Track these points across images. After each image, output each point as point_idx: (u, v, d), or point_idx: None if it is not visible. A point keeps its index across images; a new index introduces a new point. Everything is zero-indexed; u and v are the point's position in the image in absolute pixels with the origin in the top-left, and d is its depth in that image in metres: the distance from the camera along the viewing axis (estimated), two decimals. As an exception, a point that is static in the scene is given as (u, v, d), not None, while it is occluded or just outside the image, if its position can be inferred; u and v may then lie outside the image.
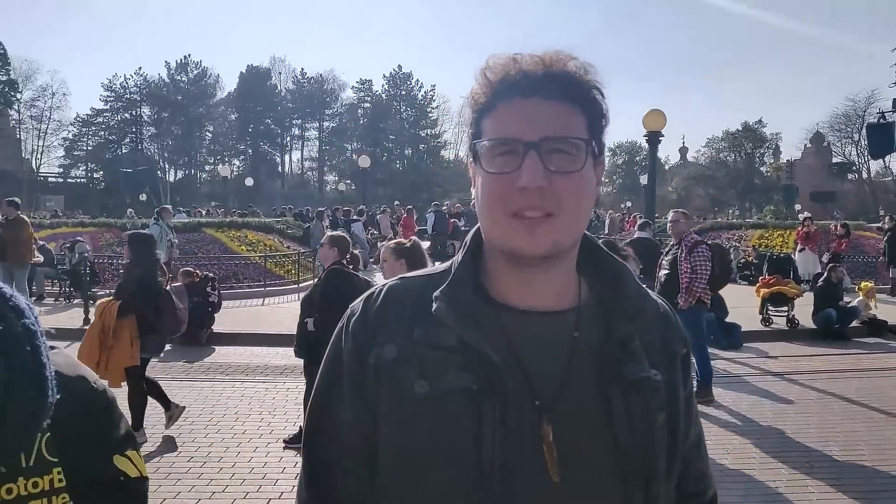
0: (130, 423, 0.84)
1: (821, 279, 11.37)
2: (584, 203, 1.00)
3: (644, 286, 1.12)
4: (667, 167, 79.66)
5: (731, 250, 20.70)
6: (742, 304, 11.63)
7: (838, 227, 17.62)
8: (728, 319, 10.32)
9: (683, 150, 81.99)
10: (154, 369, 8.49)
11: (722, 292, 10.92)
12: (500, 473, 0.95)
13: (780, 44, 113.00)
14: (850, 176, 67.97)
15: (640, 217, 12.27)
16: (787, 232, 20.99)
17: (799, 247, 16.61)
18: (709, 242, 7.52)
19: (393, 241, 4.85)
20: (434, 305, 1.01)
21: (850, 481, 4.96)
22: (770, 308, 11.29)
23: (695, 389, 7.43)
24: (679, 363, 1.12)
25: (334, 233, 5.91)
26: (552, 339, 1.03)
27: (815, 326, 10.70)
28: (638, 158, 75.09)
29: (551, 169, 0.95)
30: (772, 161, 72.87)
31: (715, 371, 8.39)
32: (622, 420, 1.00)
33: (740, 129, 73.37)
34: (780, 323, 11.10)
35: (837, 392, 7.36)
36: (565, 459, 0.96)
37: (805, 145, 70.45)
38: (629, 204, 56.67)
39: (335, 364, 1.09)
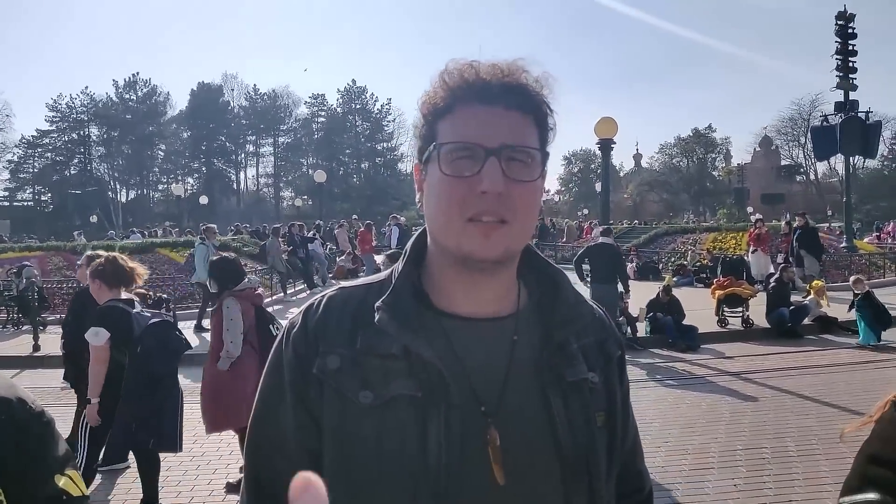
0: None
1: (773, 279, 11.66)
2: (535, 211, 1.03)
3: (579, 293, 1.15)
4: (621, 174, 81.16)
5: (688, 254, 21.18)
6: (698, 306, 11.86)
7: (783, 226, 18.29)
8: (685, 322, 10.51)
9: (637, 157, 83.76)
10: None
11: (679, 295, 11.18)
12: (445, 478, 0.96)
13: (726, 54, 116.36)
14: (798, 178, 70.11)
15: (596, 224, 12.41)
16: (740, 234, 21.50)
17: (751, 248, 17.01)
18: None
19: (96, 261, 4.68)
20: (376, 315, 1.02)
21: (805, 475, 5.06)
22: (725, 309, 11.53)
23: None
24: (615, 365, 1.15)
25: (90, 252, 5.83)
26: (493, 344, 1.05)
27: (769, 326, 10.97)
28: (593, 166, 76.34)
29: (509, 177, 0.96)
30: (723, 165, 74.68)
31: (674, 373, 8.53)
32: (563, 421, 1.02)
33: (691, 134, 75.16)
34: (735, 324, 11.33)
35: (791, 389, 7.54)
36: (510, 463, 0.98)
37: (754, 149, 72.49)
38: (586, 211, 57.55)
39: (275, 376, 1.07)
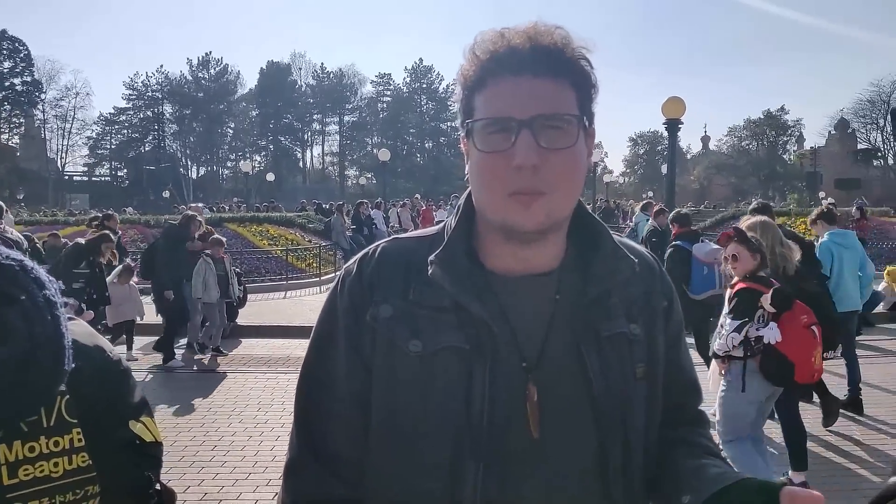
0: None
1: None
2: (576, 178, 1.02)
3: (622, 246, 1.13)
4: (688, 156, 79.08)
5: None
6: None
7: (853, 211, 17.68)
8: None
9: (705, 139, 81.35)
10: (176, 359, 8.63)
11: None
12: (487, 430, 1.00)
13: (800, 34, 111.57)
14: (875, 162, 66.84)
15: (656, 205, 12.11)
16: (811, 219, 20.68)
17: (823, 234, 16.37)
18: None
19: None
20: (430, 269, 1.05)
21: (874, 465, 4.92)
22: (793, 295, 11.10)
23: None
24: (660, 315, 1.16)
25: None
26: (537, 301, 1.07)
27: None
28: (659, 148, 74.66)
29: (544, 146, 0.96)
30: (795, 149, 71.90)
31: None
32: (598, 376, 1.04)
33: (762, 117, 72.54)
34: (803, 311, 10.94)
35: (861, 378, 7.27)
36: (547, 417, 1.01)
37: (829, 132, 69.35)
38: (651, 194, 56.17)
39: (330, 321, 1.12)
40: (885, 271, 11.70)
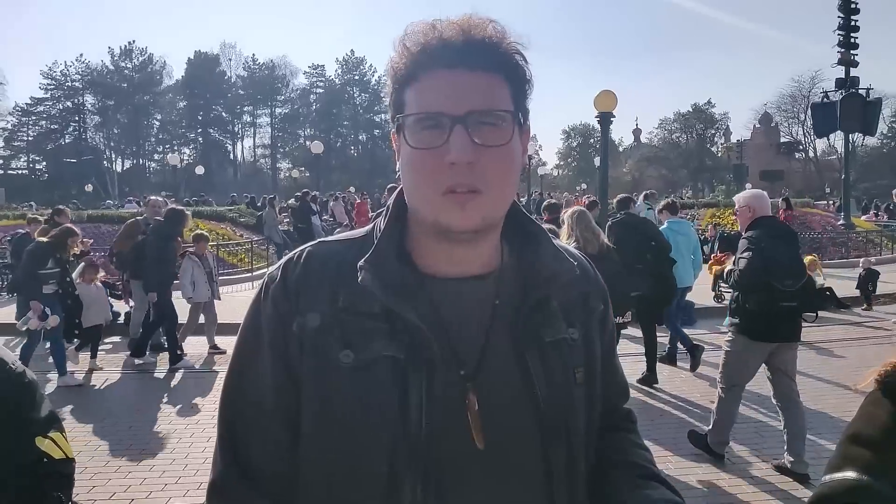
0: None
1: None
2: (511, 176, 0.98)
3: (561, 248, 1.12)
4: (620, 149, 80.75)
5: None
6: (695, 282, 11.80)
7: (780, 202, 18.51)
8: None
9: (636, 132, 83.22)
10: (105, 360, 8.28)
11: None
12: (425, 441, 0.95)
13: (727, 31, 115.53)
14: (797, 155, 69.78)
15: (590, 198, 12.32)
16: (738, 210, 21.41)
17: (749, 224, 17.03)
18: None
19: None
20: (359, 275, 0.99)
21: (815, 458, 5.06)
22: (722, 284, 11.51)
23: None
24: (596, 319, 1.15)
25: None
26: (475, 305, 1.03)
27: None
28: (592, 140, 76.08)
29: (478, 143, 0.92)
30: (723, 141, 74.37)
31: (670, 348, 8.50)
32: (541, 382, 1.02)
33: (690, 110, 74.78)
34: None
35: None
36: (489, 426, 0.98)
37: (754, 125, 72.04)
38: (584, 186, 57.37)
39: (253, 332, 1.05)
40: (806, 260, 12.20)
